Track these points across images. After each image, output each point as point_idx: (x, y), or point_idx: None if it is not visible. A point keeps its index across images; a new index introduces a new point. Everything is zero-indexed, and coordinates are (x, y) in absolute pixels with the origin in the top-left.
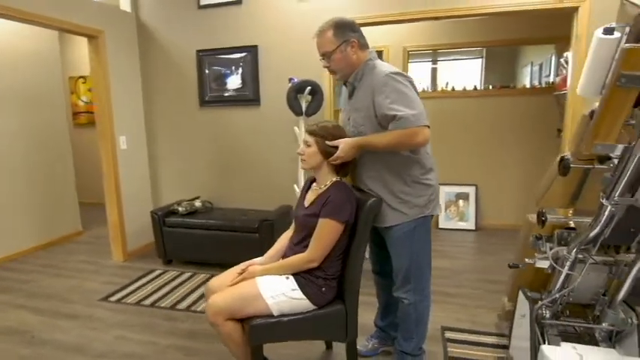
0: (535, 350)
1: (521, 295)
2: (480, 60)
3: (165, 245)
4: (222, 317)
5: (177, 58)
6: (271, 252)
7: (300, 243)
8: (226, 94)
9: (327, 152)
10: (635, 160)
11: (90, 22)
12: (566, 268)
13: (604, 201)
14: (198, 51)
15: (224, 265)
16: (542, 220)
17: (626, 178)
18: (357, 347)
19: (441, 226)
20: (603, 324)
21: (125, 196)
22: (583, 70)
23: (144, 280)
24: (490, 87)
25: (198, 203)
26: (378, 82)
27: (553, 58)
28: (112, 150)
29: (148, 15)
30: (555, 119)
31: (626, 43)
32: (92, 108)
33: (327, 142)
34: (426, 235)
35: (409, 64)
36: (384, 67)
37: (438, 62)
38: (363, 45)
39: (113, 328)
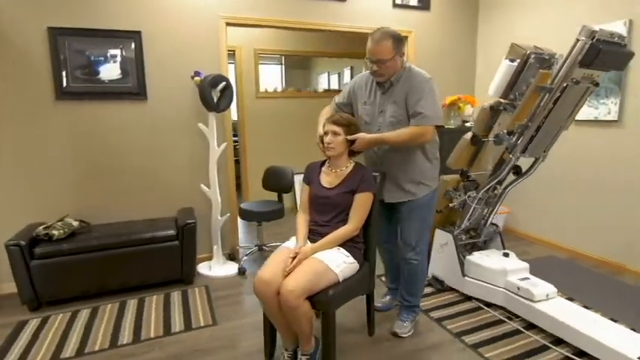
0: (461, 262)
1: (440, 231)
2: (280, 66)
3: (34, 285)
4: (301, 298)
5: (11, 34)
6: (301, 236)
7: (333, 219)
8: (99, 86)
9: (349, 140)
10: (528, 132)
11: None
12: (474, 204)
13: (511, 156)
14: (52, 29)
15: (136, 288)
16: (467, 176)
17: (525, 143)
18: (376, 304)
19: None
20: (482, 237)
21: None
22: (494, 80)
23: (25, 338)
24: (315, 90)
25: (74, 222)
26: (418, 82)
27: (363, 69)
28: None
29: None
30: None
31: (516, 70)
32: None
33: (347, 137)
34: (434, 204)
35: (260, 65)
36: (419, 70)
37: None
38: (405, 55)
39: None
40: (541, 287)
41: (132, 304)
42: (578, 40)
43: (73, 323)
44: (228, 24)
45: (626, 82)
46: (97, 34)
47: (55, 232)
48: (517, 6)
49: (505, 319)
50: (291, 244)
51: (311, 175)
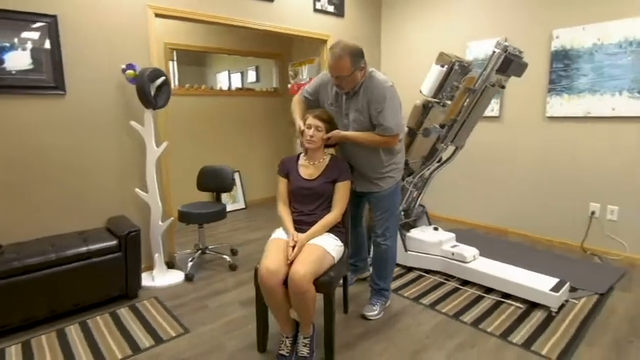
0: (403, 239)
1: None
2: (172, 63)
3: None
4: (311, 282)
5: None
6: (290, 225)
7: (318, 208)
8: (5, 77)
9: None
10: (456, 125)
11: None
12: (410, 187)
13: (442, 145)
14: None
15: (71, 313)
16: (406, 163)
17: (453, 134)
18: None
19: None
20: (412, 216)
21: None
22: (426, 82)
23: None
24: (229, 89)
25: None
26: (378, 93)
27: (274, 69)
28: None
29: None
30: (289, 114)
31: (445, 74)
32: None
33: (323, 137)
34: (399, 192)
35: (170, 62)
36: (381, 77)
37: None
38: (366, 66)
39: None
40: (469, 250)
41: (72, 330)
42: (494, 51)
43: None
44: (157, 15)
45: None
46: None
47: None
48: (413, 19)
49: (444, 281)
50: (280, 234)
51: (289, 168)
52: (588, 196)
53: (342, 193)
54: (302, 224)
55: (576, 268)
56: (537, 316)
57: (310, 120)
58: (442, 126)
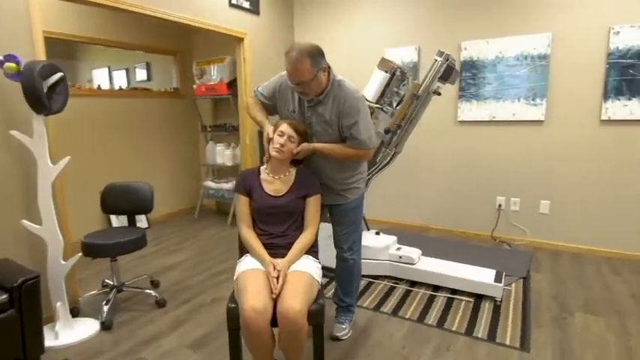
0: None
1: (325, 224)
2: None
3: None
4: (306, 317)
5: None
6: (262, 251)
7: (289, 228)
8: None
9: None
10: (400, 132)
11: None
12: None
13: (387, 150)
14: None
15: None
16: None
17: (394, 139)
18: None
19: None
20: None
21: None
22: (370, 87)
23: None
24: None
25: None
26: (350, 105)
27: (173, 67)
28: None
29: None
30: (194, 117)
31: (388, 79)
32: None
33: (293, 151)
34: (363, 205)
35: None
36: (351, 86)
37: None
38: (329, 67)
39: None
40: (414, 252)
41: None
42: (436, 60)
43: None
44: None
45: None
46: None
47: None
48: (328, 21)
49: (394, 285)
50: (251, 264)
51: (250, 184)
52: (495, 191)
53: (314, 208)
54: (276, 248)
55: (494, 256)
56: (487, 308)
57: (284, 127)
58: (387, 131)
